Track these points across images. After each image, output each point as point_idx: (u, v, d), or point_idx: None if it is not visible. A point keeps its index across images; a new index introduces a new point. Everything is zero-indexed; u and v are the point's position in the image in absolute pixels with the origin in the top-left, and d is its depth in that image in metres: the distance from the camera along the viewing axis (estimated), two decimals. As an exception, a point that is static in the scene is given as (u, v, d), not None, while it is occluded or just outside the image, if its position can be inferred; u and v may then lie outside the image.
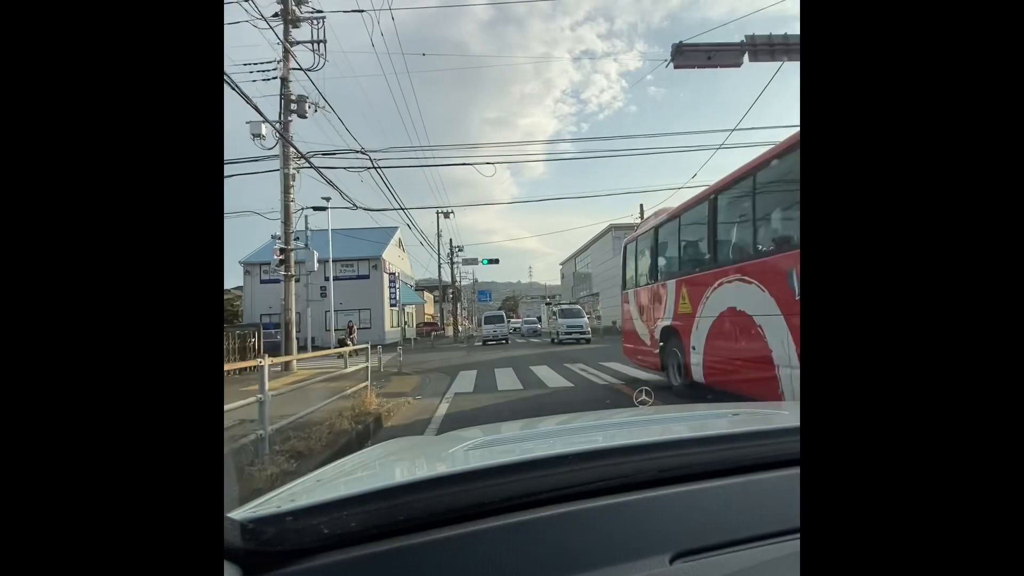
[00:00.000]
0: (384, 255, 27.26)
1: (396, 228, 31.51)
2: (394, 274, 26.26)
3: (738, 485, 0.61)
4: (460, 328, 49.08)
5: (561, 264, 50.37)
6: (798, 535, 0.48)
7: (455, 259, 27.86)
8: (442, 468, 0.73)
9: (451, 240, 27.93)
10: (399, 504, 0.54)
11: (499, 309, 60.90)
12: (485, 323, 24.84)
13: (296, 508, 0.54)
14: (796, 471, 0.56)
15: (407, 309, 34.07)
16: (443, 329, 27.51)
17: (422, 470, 0.84)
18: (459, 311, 51.77)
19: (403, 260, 33.74)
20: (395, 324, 27.26)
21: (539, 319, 32.86)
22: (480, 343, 24.15)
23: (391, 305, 25.91)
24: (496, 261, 26.51)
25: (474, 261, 26.65)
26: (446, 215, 28.94)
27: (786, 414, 1.02)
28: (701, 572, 0.49)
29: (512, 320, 29.92)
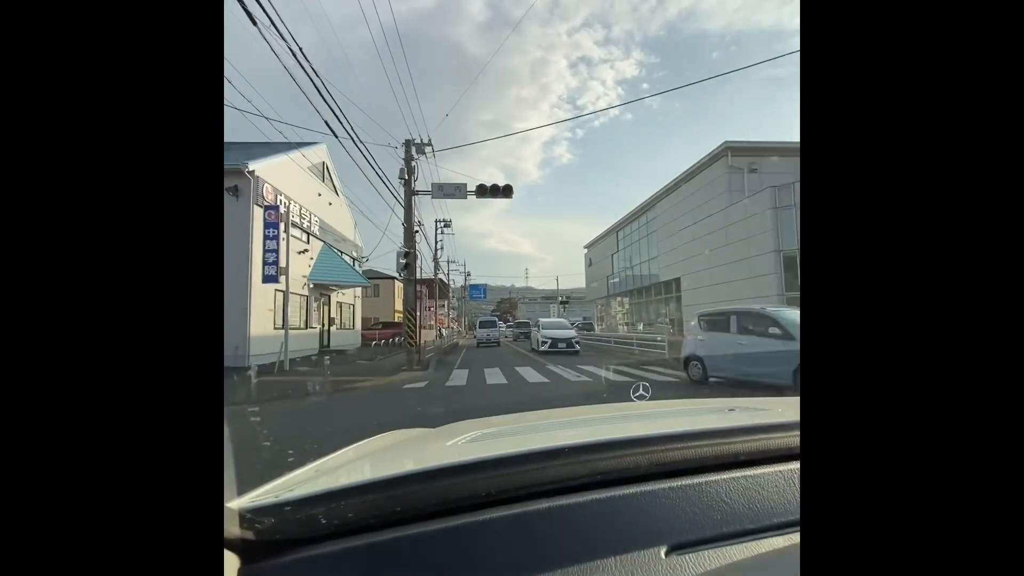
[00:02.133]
0: (262, 172, 12.40)
1: (315, 144, 16.80)
2: (275, 208, 11.57)
3: (734, 479, 0.61)
4: (442, 331, 35.68)
5: (586, 247, 35.77)
6: (793, 529, 0.50)
7: (415, 183, 12.98)
8: (440, 460, 0.71)
9: (412, 150, 13.12)
10: (397, 495, 0.54)
11: (493, 312, 57.60)
12: (480, 327, 24.82)
13: (295, 498, 0.54)
14: (792, 466, 0.60)
15: (339, 298, 19.25)
16: (415, 333, 12.73)
17: (420, 461, 0.83)
18: (434, 305, 37.65)
19: (336, 211, 18.87)
20: (282, 323, 12.21)
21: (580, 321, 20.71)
22: (462, 383, 9.75)
23: (266, 280, 11.18)
24: (506, 192, 11.97)
25: (461, 194, 11.98)
26: (419, 148, 14.35)
27: (780, 410, 1.00)
28: (697, 564, 0.49)
29: (544, 327, 17.93)
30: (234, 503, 0.54)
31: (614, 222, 28.72)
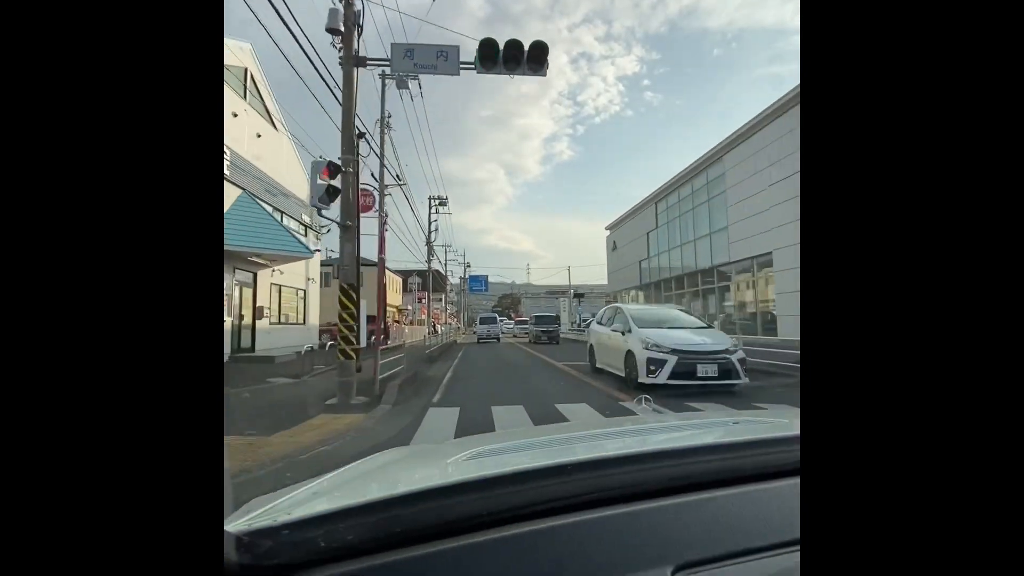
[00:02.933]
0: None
1: (233, 41, 10.85)
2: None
3: (739, 495, 0.59)
4: (437, 327, 29.65)
5: (609, 228, 29.83)
6: (799, 546, 0.49)
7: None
8: (440, 479, 0.69)
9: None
10: (397, 516, 0.53)
11: (494, 308, 56.15)
12: (480, 323, 26.12)
13: (292, 520, 0.53)
14: (797, 480, 0.57)
15: (276, 278, 13.22)
16: (355, 332, 6.82)
17: (420, 481, 0.79)
18: (427, 296, 31.79)
19: (270, 148, 13.05)
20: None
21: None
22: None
23: None
24: (535, 59, 6.04)
25: (450, 67, 5.86)
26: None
27: (786, 422, 0.96)
28: None
29: (641, 322, 7.98)
30: (231, 525, 0.52)
31: (653, 191, 22.70)
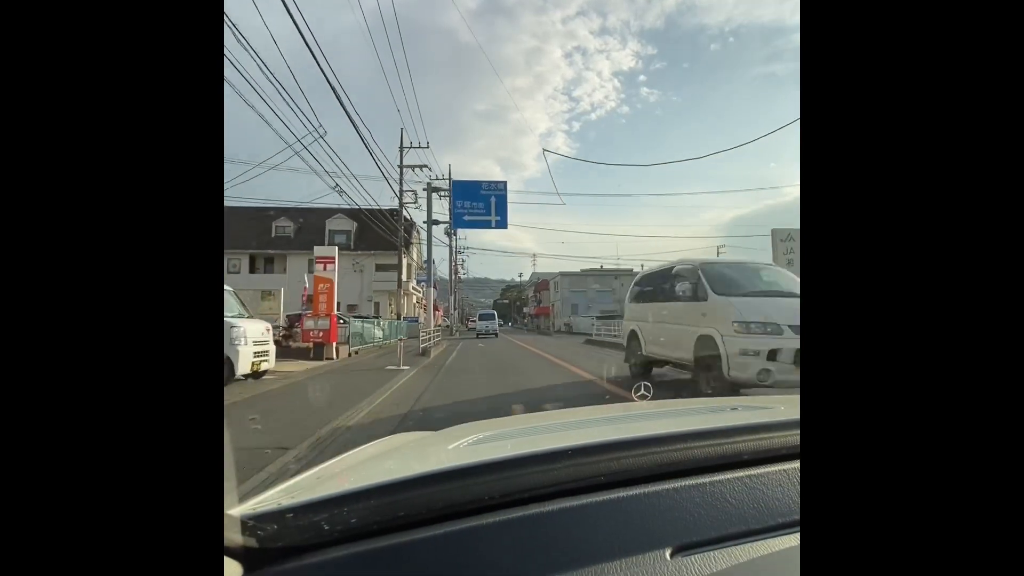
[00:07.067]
0: None
1: None
2: None
3: (737, 479, 0.60)
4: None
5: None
6: (798, 529, 0.50)
7: None
8: (442, 464, 0.70)
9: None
10: (399, 500, 0.54)
11: (499, 302, 55.82)
12: (479, 319, 28.14)
13: (296, 504, 0.54)
14: (795, 465, 0.60)
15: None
16: None
17: (422, 466, 0.80)
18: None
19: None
20: None
21: None
22: None
23: None
24: None
25: None
26: None
27: (784, 408, 0.98)
28: (702, 566, 0.49)
29: None
30: (235, 510, 0.53)
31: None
